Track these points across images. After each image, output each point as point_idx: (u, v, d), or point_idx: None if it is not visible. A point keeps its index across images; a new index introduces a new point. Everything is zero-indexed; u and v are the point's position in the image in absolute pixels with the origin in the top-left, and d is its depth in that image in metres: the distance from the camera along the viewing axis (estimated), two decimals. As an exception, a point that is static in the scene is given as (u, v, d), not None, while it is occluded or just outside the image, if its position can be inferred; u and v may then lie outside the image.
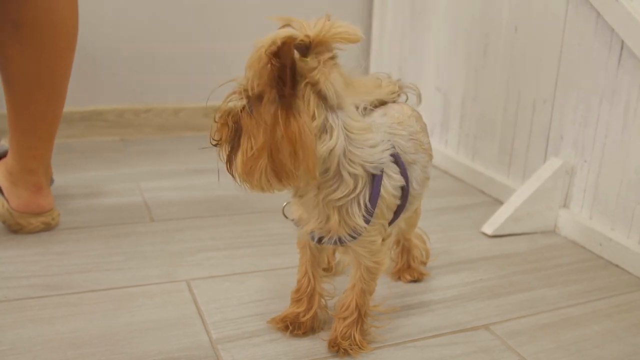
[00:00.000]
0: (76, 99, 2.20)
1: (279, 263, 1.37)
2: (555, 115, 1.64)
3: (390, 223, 1.03)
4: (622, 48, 1.42)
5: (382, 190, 0.96)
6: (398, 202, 1.01)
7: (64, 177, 1.84)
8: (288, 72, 0.84)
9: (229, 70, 2.17)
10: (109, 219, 1.56)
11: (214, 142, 0.95)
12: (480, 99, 1.93)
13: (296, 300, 1.12)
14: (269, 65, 0.83)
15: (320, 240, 1.00)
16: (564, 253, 1.52)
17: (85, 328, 1.10)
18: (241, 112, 0.90)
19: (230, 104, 0.92)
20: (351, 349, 1.05)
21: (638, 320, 1.23)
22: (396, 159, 0.98)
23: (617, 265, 1.46)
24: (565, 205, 1.63)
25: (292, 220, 1.04)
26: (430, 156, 1.12)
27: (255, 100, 0.88)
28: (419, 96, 1.21)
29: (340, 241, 0.98)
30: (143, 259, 1.36)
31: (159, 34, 2.25)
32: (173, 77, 2.31)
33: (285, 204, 1.06)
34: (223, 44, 2.29)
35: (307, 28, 0.85)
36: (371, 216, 0.96)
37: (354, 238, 0.97)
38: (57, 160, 1.99)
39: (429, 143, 1.13)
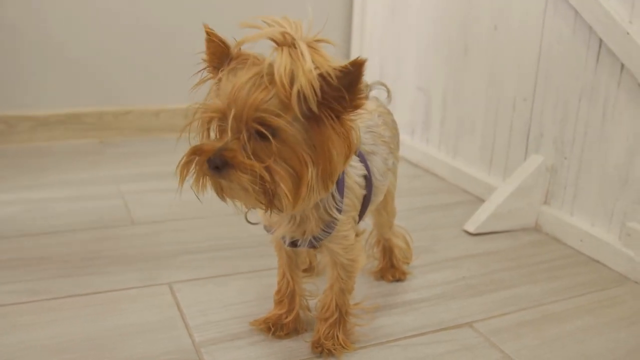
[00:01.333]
0: (55, 101, 2.19)
1: (261, 265, 1.36)
2: (535, 113, 1.65)
3: (360, 217, 1.04)
4: (600, 46, 1.43)
5: (347, 179, 0.97)
6: (364, 191, 1.02)
7: (43, 181, 1.82)
8: (356, 87, 0.82)
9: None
10: (89, 223, 1.55)
11: (260, 204, 0.86)
12: (461, 98, 1.93)
13: (278, 302, 1.12)
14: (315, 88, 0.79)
15: (293, 243, 1.00)
16: (546, 250, 1.53)
17: (67, 333, 1.08)
18: (248, 143, 0.82)
19: (212, 146, 0.83)
20: (335, 349, 1.04)
21: (619, 315, 1.24)
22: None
23: (597, 261, 1.47)
24: (546, 202, 1.64)
25: (256, 224, 1.03)
26: (392, 149, 1.14)
27: (288, 122, 0.81)
28: (389, 93, 1.23)
29: (315, 240, 0.98)
30: (124, 263, 1.35)
31: (139, 35, 2.24)
32: (153, 79, 2.30)
33: (247, 210, 1.02)
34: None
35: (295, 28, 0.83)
36: (341, 207, 0.96)
37: (328, 233, 0.97)
38: (37, 163, 1.97)
39: (391, 137, 1.14)
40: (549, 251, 1.52)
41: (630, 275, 1.39)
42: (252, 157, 0.81)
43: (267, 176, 0.81)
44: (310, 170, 0.83)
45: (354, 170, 0.99)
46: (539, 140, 1.64)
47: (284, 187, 0.83)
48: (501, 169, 1.79)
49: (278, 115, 0.80)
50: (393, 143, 1.15)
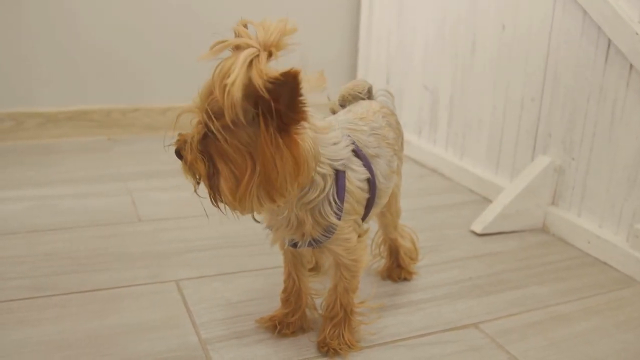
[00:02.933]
0: (63, 98, 2.19)
1: (268, 263, 1.36)
2: (543, 114, 1.64)
3: (364, 218, 1.04)
4: (609, 46, 1.43)
5: (348, 184, 0.97)
6: (367, 195, 1.01)
7: (50, 177, 1.83)
8: (294, 99, 0.83)
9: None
10: (96, 220, 1.55)
11: (196, 180, 0.93)
12: (468, 98, 1.93)
13: (284, 301, 1.12)
14: (253, 96, 0.81)
15: (295, 245, 1.00)
16: (553, 251, 1.53)
17: (73, 330, 1.09)
18: (202, 140, 0.89)
19: (182, 138, 0.93)
20: (340, 349, 1.04)
21: (627, 317, 1.23)
22: (357, 153, 0.99)
23: (605, 263, 1.46)
24: (553, 202, 1.64)
25: (260, 222, 1.03)
26: (396, 150, 1.13)
27: (227, 125, 0.84)
28: (393, 100, 1.24)
29: (315, 242, 0.98)
30: (131, 260, 1.35)
31: (147, 33, 2.24)
32: (161, 77, 2.30)
33: None
34: (211, 42, 2.27)
35: (260, 34, 0.84)
36: (341, 212, 0.96)
37: (328, 237, 0.97)
38: (44, 160, 1.98)
39: (395, 138, 1.13)
40: (556, 252, 1.52)
41: (637, 277, 1.39)
42: (201, 151, 0.89)
43: (195, 167, 0.89)
44: (249, 173, 0.85)
45: (356, 175, 0.98)
46: (547, 140, 1.64)
47: (223, 184, 0.87)
48: (508, 170, 1.79)
49: (216, 119, 0.84)
50: (397, 144, 1.14)
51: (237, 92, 0.79)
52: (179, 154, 0.93)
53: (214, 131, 0.85)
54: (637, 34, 1.33)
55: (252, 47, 0.81)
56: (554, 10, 1.57)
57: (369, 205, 1.03)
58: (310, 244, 0.98)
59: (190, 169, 0.91)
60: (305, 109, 0.84)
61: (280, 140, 0.84)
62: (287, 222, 0.97)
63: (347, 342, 1.05)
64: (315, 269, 1.28)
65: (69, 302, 1.18)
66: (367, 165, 1.01)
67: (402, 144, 1.21)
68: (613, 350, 1.11)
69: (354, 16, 2.50)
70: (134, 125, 2.30)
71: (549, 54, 1.60)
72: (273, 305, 1.15)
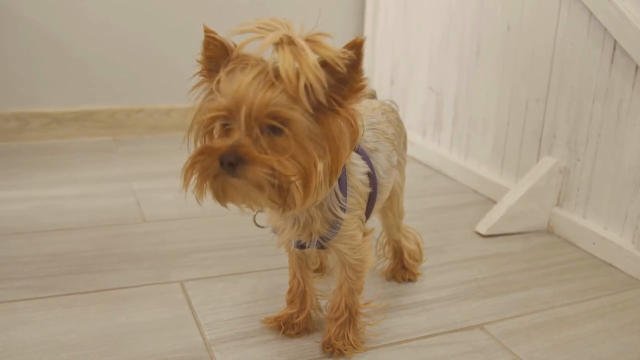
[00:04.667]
0: (68, 99, 2.20)
1: (273, 263, 1.36)
2: (548, 114, 1.64)
3: (367, 214, 1.04)
4: (614, 47, 1.42)
5: (350, 178, 0.97)
6: (368, 189, 1.01)
7: (56, 178, 1.83)
8: (359, 70, 0.83)
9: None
10: (101, 220, 1.55)
11: (272, 202, 0.85)
12: (473, 98, 1.93)
13: (289, 302, 1.12)
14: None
15: (301, 246, 1.00)
16: (558, 252, 1.52)
17: (78, 330, 1.09)
18: (255, 143, 0.81)
19: (220, 147, 0.82)
20: (345, 349, 1.04)
21: (632, 319, 1.23)
22: (355, 147, 0.98)
23: (610, 264, 1.46)
24: (558, 204, 1.63)
25: (264, 227, 1.03)
26: (395, 146, 1.12)
27: (296, 117, 0.81)
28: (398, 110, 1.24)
29: (322, 240, 0.98)
30: (136, 260, 1.36)
31: (151, 33, 2.24)
32: (165, 77, 2.30)
33: (255, 212, 1.01)
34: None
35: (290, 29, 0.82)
36: (346, 204, 0.96)
37: (334, 232, 0.97)
38: (50, 160, 1.98)
39: (395, 134, 1.13)
40: (561, 254, 1.52)
41: (643, 278, 1.39)
42: (266, 152, 0.81)
43: (282, 169, 0.81)
44: (318, 164, 0.83)
45: (357, 169, 0.99)
46: (552, 141, 1.63)
47: (297, 183, 0.82)
48: (513, 171, 1.79)
49: (289, 107, 0.80)
50: (397, 140, 1.14)
51: (318, 71, 0.78)
52: (236, 158, 0.80)
53: (287, 123, 0.81)
54: (642, 35, 1.33)
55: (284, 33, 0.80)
56: (559, 11, 1.56)
57: (371, 200, 1.03)
58: (317, 244, 0.98)
59: (257, 173, 0.80)
60: (364, 77, 0.84)
61: (346, 115, 0.84)
62: (294, 222, 0.96)
63: (352, 342, 1.05)
64: (320, 270, 1.29)
65: (74, 302, 1.18)
66: (366, 159, 1.01)
67: (404, 142, 1.21)
68: (618, 352, 1.11)
69: (359, 17, 2.50)
70: (139, 125, 2.31)
71: (554, 55, 1.60)
72: (278, 306, 1.15)
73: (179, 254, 1.40)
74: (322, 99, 0.81)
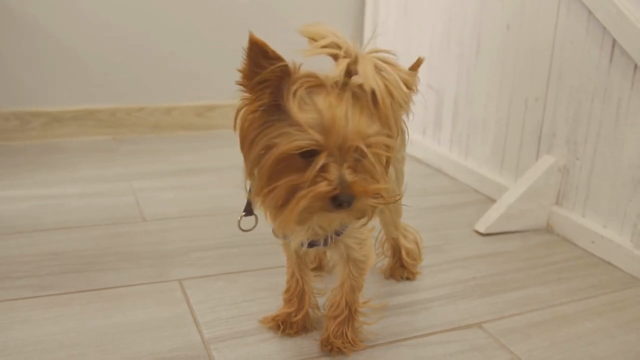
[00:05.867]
0: (68, 98, 2.20)
1: (271, 262, 1.37)
2: (547, 113, 1.64)
3: None
4: (613, 46, 1.42)
5: None
6: None
7: (56, 177, 1.84)
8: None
9: (222, 68, 2.16)
10: (101, 219, 1.56)
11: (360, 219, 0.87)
12: (473, 97, 1.93)
13: (287, 301, 1.12)
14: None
15: (311, 244, 0.99)
16: (557, 251, 1.52)
17: (77, 329, 1.09)
18: (360, 180, 0.81)
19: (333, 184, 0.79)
20: (344, 347, 1.04)
21: (630, 317, 1.23)
22: None
23: (609, 263, 1.46)
24: (557, 203, 1.63)
25: (249, 230, 1.02)
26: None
27: (383, 140, 0.82)
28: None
29: (337, 234, 0.97)
30: (135, 259, 1.36)
31: (151, 32, 2.25)
32: (165, 76, 2.31)
33: (240, 217, 1.01)
34: (216, 42, 2.28)
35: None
36: None
37: (346, 227, 0.97)
38: (50, 159, 1.98)
39: None
40: (560, 252, 1.52)
41: (642, 277, 1.39)
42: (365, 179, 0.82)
43: (387, 193, 0.83)
44: (384, 174, 0.86)
45: None
46: (551, 140, 1.63)
47: (385, 198, 0.84)
48: (513, 169, 1.79)
49: (385, 135, 0.81)
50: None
51: (405, 93, 0.80)
52: (352, 197, 0.80)
53: (376, 152, 0.82)
54: (641, 33, 1.33)
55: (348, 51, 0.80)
56: (558, 10, 1.56)
57: None
58: (326, 242, 0.97)
59: (369, 202, 0.82)
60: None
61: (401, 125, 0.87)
62: (307, 226, 0.93)
63: (351, 341, 1.05)
64: (319, 268, 1.29)
65: (73, 301, 1.18)
66: None
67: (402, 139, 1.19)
68: (616, 351, 1.11)
69: (359, 16, 2.50)
70: (139, 124, 2.31)
71: (553, 54, 1.60)
72: (276, 304, 1.15)
73: (178, 252, 1.40)
74: (405, 118, 0.84)
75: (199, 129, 2.37)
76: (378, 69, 0.78)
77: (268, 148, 0.82)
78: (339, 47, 0.79)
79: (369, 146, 0.80)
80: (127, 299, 1.20)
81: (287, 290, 1.12)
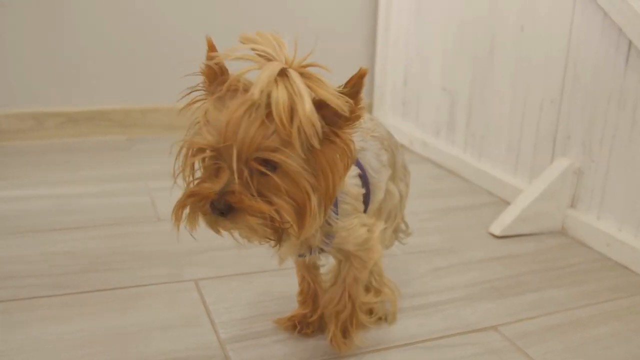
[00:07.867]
0: (82, 98, 2.21)
1: (287, 263, 1.36)
2: (562, 115, 1.63)
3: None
4: (629, 48, 1.42)
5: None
6: (363, 190, 0.97)
7: (71, 176, 1.85)
8: (359, 100, 0.80)
9: (237, 70, 2.17)
10: (115, 219, 1.56)
11: (268, 240, 0.83)
12: (487, 99, 1.92)
13: (302, 302, 1.12)
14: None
15: (301, 256, 0.98)
16: (572, 254, 1.52)
17: (93, 328, 1.10)
18: (244, 183, 0.78)
19: (210, 191, 0.80)
20: (349, 346, 1.04)
21: (647, 321, 1.23)
22: None
23: (624, 266, 1.45)
24: (572, 205, 1.63)
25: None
26: (385, 145, 1.07)
27: (291, 155, 0.77)
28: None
29: (320, 250, 0.96)
30: (150, 259, 1.36)
31: (166, 33, 2.25)
32: (180, 77, 2.31)
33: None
34: (231, 44, 2.28)
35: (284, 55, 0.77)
36: (337, 207, 0.93)
37: (329, 243, 0.94)
38: (65, 159, 2.00)
39: (382, 134, 1.09)
40: (575, 255, 1.51)
41: (658, 280, 1.38)
42: (256, 196, 0.78)
43: (276, 216, 0.78)
44: (312, 198, 0.80)
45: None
46: (566, 142, 1.63)
47: (291, 222, 0.80)
48: (527, 172, 1.78)
49: (280, 152, 0.76)
50: (387, 140, 1.10)
51: (313, 116, 0.74)
52: (226, 207, 0.78)
53: (277, 165, 0.77)
54: (659, 36, 1.32)
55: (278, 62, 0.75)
56: (573, 11, 1.56)
57: (366, 200, 1.00)
58: (318, 252, 0.97)
59: (249, 220, 0.79)
60: (363, 105, 0.81)
61: (341, 144, 0.81)
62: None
63: (356, 338, 1.05)
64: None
65: (88, 300, 1.19)
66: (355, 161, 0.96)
67: (395, 143, 1.16)
68: (632, 356, 1.11)
69: (372, 18, 2.50)
70: (153, 125, 2.32)
71: (568, 56, 1.59)
72: (291, 305, 1.15)
73: (193, 252, 1.40)
74: (316, 143, 0.77)
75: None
76: (294, 89, 0.73)
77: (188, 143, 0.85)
78: (267, 55, 0.76)
79: (269, 161, 0.77)
80: (143, 298, 1.21)
81: (300, 293, 1.12)
